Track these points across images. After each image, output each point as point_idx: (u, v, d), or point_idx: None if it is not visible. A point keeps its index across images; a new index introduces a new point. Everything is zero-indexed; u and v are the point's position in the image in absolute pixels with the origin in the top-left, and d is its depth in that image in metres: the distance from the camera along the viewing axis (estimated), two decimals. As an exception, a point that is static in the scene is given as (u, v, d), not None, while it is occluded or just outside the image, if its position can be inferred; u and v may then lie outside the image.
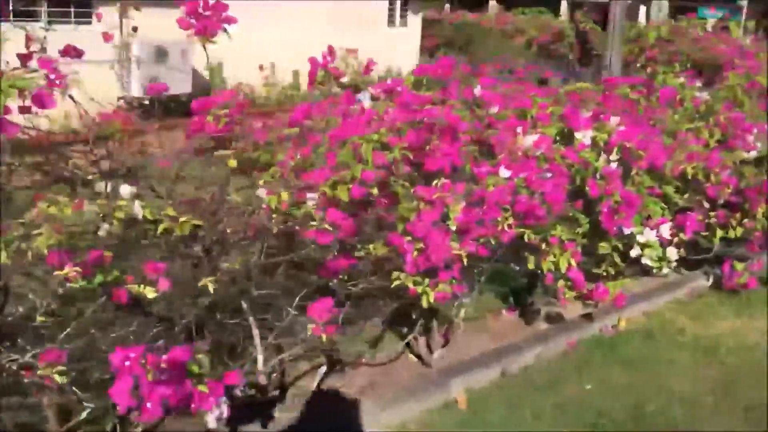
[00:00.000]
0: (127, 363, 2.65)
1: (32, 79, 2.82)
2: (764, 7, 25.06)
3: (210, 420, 3.03)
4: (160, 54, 13.13)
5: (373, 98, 5.03)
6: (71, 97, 3.09)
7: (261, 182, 3.69)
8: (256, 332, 4.08)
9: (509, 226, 4.62)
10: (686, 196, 6.53)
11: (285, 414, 4.69)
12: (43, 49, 3.11)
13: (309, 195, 3.83)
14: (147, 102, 12.97)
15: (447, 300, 4.29)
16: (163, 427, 3.96)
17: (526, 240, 4.93)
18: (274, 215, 3.44)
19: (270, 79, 15.65)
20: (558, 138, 5.84)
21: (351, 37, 15.29)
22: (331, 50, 4.75)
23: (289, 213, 3.60)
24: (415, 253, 4.15)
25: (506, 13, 28.52)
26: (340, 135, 3.90)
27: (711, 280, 7.42)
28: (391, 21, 20.09)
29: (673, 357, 5.88)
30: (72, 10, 12.80)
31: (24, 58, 3.10)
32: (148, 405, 2.69)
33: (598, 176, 5.55)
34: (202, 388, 3.01)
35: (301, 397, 4.84)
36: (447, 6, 29.74)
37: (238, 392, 4.00)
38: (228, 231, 3.46)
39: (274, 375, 4.90)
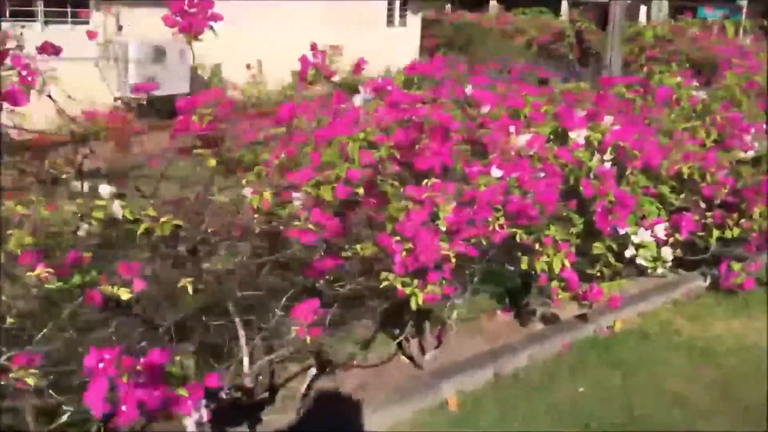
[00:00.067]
0: (101, 365, 2.60)
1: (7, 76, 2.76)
2: (764, 7, 24.97)
3: (189, 424, 2.97)
4: (158, 54, 13.07)
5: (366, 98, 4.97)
6: (49, 96, 3.03)
7: (244, 182, 3.64)
8: (241, 333, 4.02)
9: (500, 226, 4.56)
10: (682, 196, 6.47)
11: (274, 416, 4.65)
12: (20, 47, 3.05)
13: (296, 195, 3.78)
14: (144, 102, 12.95)
15: (436, 301, 4.22)
16: (151, 428, 3.91)
17: (518, 240, 4.87)
18: (256, 215, 3.37)
19: (257, 78, 15.56)
20: (552, 137, 5.79)
21: (350, 37, 15.22)
22: (314, 48, 4.69)
23: (273, 213, 3.54)
24: (404, 253, 4.09)
25: (506, 13, 28.43)
26: (326, 134, 3.85)
27: (708, 280, 7.36)
28: (390, 21, 20.04)
29: (668, 358, 5.82)
30: (68, 10, 12.74)
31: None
32: (124, 408, 2.63)
33: (591, 176, 5.50)
34: (181, 391, 2.96)
35: (291, 399, 4.79)
36: (448, 6, 29.65)
37: (223, 395, 3.94)
38: (209, 231, 3.41)
39: (264, 377, 4.87)
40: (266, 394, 4.80)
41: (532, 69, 6.93)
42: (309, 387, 4.91)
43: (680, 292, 7.21)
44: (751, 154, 7.02)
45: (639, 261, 5.83)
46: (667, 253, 5.70)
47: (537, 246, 5.19)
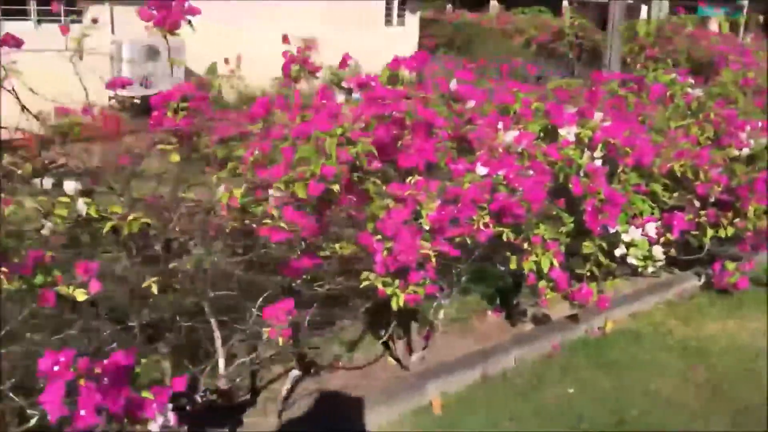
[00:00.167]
0: (56, 368, 2.51)
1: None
2: (765, 6, 24.86)
3: (153, 428, 2.87)
4: (152, 53, 13.01)
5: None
6: (11, 90, 2.94)
7: (214, 178, 3.55)
8: (217, 335, 3.93)
9: (485, 225, 4.47)
10: (676, 194, 6.37)
11: (255, 419, 4.56)
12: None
13: (276, 193, 3.69)
14: (138, 101, 12.87)
15: (419, 302, 4.12)
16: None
17: (504, 239, 4.77)
18: (227, 213, 3.28)
19: (236, 73, 15.43)
20: (542, 135, 5.70)
21: (348, 37, 15.17)
22: (285, 40, 4.59)
23: (248, 211, 3.45)
24: (385, 252, 4.00)
25: (506, 12, 28.32)
26: (303, 129, 3.75)
27: (702, 280, 7.26)
28: (388, 21, 19.96)
29: (659, 360, 5.72)
30: (62, 8, 12.66)
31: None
32: (82, 413, 2.54)
33: (581, 174, 5.40)
34: (145, 394, 2.87)
35: (273, 402, 4.70)
36: (449, 6, 29.55)
37: (198, 398, 3.85)
38: (177, 229, 3.31)
39: (246, 379, 4.78)
40: (248, 396, 4.72)
41: (524, 66, 6.82)
42: (292, 389, 4.82)
43: (674, 292, 7.10)
44: (746, 151, 6.91)
45: (630, 260, 5.72)
46: (658, 251, 5.59)
47: (525, 245, 5.09)
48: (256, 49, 15.11)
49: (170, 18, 3.82)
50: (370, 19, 19.03)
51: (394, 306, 4.04)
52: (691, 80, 7.80)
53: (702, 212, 6.50)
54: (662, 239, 5.80)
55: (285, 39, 4.59)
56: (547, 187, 5.03)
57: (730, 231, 6.45)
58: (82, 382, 2.54)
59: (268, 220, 3.28)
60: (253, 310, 3.96)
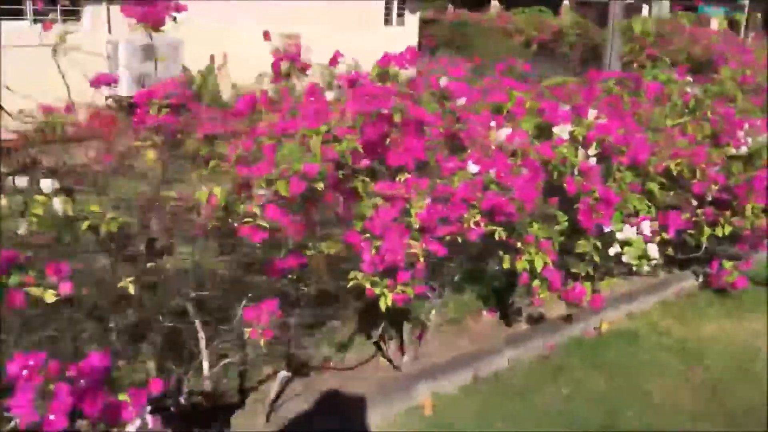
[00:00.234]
0: (25, 372, 2.44)
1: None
2: (766, 6, 24.78)
3: (130, 430, 2.81)
4: (148, 52, 12.93)
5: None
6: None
7: (194, 176, 3.49)
8: (201, 336, 3.86)
9: (476, 223, 4.39)
10: (672, 193, 6.29)
11: (241, 420, 4.50)
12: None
13: (261, 191, 3.62)
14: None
15: (407, 302, 4.05)
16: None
17: (497, 238, 4.70)
18: (206, 211, 3.21)
19: (222, 71, 15.33)
20: (537, 133, 5.62)
21: (347, 37, 15.12)
22: (266, 37, 4.52)
23: (231, 209, 3.38)
24: (373, 251, 3.93)
25: (506, 12, 28.23)
26: (286, 127, 3.69)
27: (701, 279, 7.18)
28: (387, 20, 19.92)
29: (655, 360, 5.65)
30: (58, 8, 12.60)
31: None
32: (51, 417, 2.47)
33: (576, 172, 5.33)
34: (122, 396, 2.81)
35: (262, 403, 4.63)
36: (451, 7, 29.45)
37: (182, 399, 3.78)
38: (155, 229, 3.25)
39: (235, 380, 4.72)
40: (236, 398, 4.66)
41: (517, 64, 6.75)
42: (282, 390, 4.76)
43: (671, 291, 7.04)
44: (744, 150, 6.82)
45: (625, 259, 5.64)
46: (653, 250, 5.51)
47: (519, 244, 5.02)
48: (255, 49, 15.07)
49: (153, 14, 3.75)
50: (370, 19, 18.99)
51: (382, 306, 3.97)
52: (689, 78, 7.73)
53: (699, 211, 6.43)
54: (658, 238, 5.72)
55: (266, 36, 4.53)
56: (541, 185, 4.96)
57: (728, 230, 6.37)
58: (51, 387, 2.47)
59: (249, 219, 3.22)
60: (239, 310, 3.89)
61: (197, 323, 3.84)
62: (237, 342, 4.19)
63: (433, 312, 5.30)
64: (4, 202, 2.92)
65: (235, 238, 3.51)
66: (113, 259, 3.33)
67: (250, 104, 3.90)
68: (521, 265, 5.01)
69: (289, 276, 3.82)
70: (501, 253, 5.13)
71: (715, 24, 22.03)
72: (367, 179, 4.17)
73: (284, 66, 4.98)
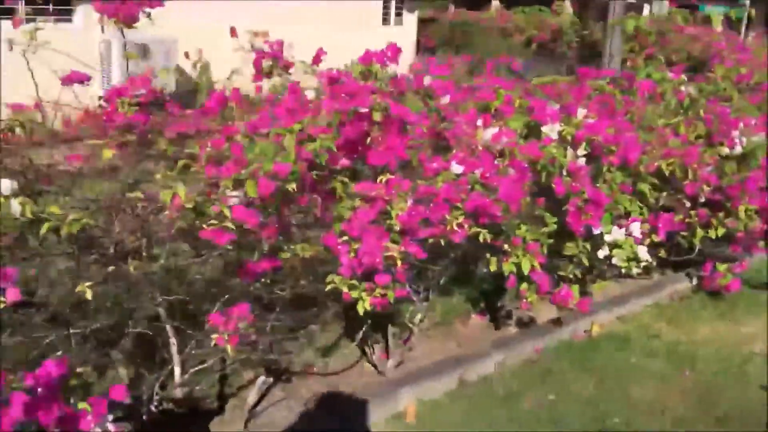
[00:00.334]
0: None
1: None
2: (766, 5, 24.64)
3: (89, 440, 2.71)
4: (142, 52, 12.83)
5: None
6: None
7: (158, 176, 3.38)
8: (173, 341, 3.76)
9: (460, 225, 4.28)
10: (664, 194, 6.18)
11: (219, 428, 4.41)
12: None
13: (234, 193, 3.52)
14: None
15: (386, 306, 3.94)
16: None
17: (481, 240, 4.59)
18: (173, 212, 3.11)
19: (197, 66, 15.20)
20: (526, 133, 5.52)
21: (346, 36, 15.06)
22: (233, 33, 4.42)
23: (201, 211, 3.27)
24: (352, 254, 3.83)
25: (506, 11, 28.13)
26: (257, 125, 3.59)
27: (695, 282, 7.08)
28: (385, 20, 19.86)
29: (646, 365, 5.53)
30: (51, 7, 12.52)
31: None
32: None
33: (564, 173, 5.22)
34: (82, 405, 2.71)
35: (241, 409, 4.53)
36: (452, 6, 29.35)
37: (152, 407, 3.68)
38: (118, 231, 3.15)
39: (214, 386, 4.63)
40: (215, 404, 4.56)
41: (509, 63, 6.66)
42: (262, 396, 4.66)
43: (665, 294, 6.92)
44: (738, 150, 6.70)
45: (614, 261, 5.53)
46: (642, 252, 5.40)
47: (506, 246, 4.92)
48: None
49: (124, 10, 3.65)
50: (367, 19, 18.92)
51: (360, 310, 3.87)
52: (683, 77, 7.61)
53: (692, 212, 6.32)
54: (648, 240, 5.61)
55: (233, 32, 4.43)
56: (528, 186, 4.86)
57: (721, 231, 6.26)
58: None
59: (214, 222, 3.11)
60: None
61: (168, 328, 3.73)
62: (214, 348, 4.08)
63: (419, 316, 5.19)
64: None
65: (205, 240, 3.40)
66: (75, 262, 3.24)
67: (220, 102, 3.80)
68: (508, 267, 4.91)
69: (263, 280, 3.73)
70: (488, 255, 5.04)
71: (714, 23, 21.89)
72: (347, 180, 4.07)
73: (266, 64, 4.89)
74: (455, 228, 4.26)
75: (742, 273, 6.63)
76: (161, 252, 3.44)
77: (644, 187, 5.84)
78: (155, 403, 3.76)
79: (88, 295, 2.95)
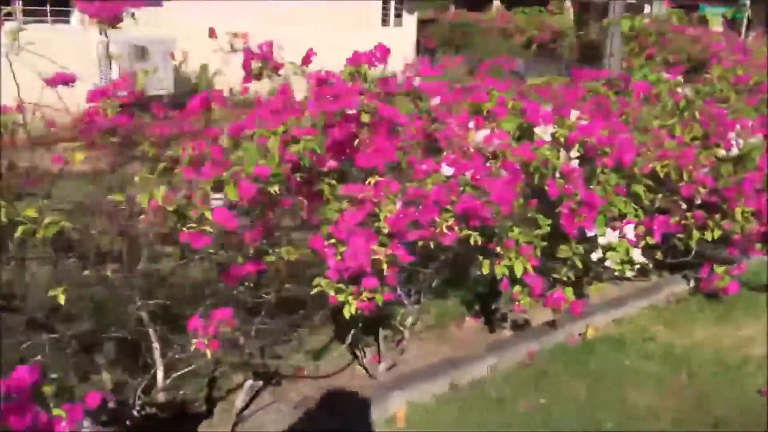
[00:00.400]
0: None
1: None
2: (767, 6, 24.58)
3: (64, 448, 2.66)
4: (141, 53, 12.82)
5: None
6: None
7: (136, 179, 3.34)
8: (156, 345, 3.71)
9: (450, 228, 4.23)
10: (659, 196, 6.12)
11: (207, 430, 4.36)
12: None
13: (216, 195, 3.48)
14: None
15: (373, 310, 3.89)
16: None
17: (473, 243, 4.53)
18: (152, 215, 3.06)
19: (182, 67, 15.15)
20: (518, 134, 5.46)
21: (345, 37, 15.03)
22: (212, 34, 4.37)
23: (183, 214, 3.22)
24: (338, 257, 3.78)
25: (507, 12, 28.10)
26: (243, 126, 3.54)
27: (692, 284, 7.02)
28: (385, 21, 19.85)
29: (641, 368, 5.47)
30: (48, 8, 12.51)
31: None
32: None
33: (557, 175, 5.16)
34: (56, 412, 2.67)
35: (229, 413, 4.49)
36: (452, 8, 29.32)
37: (134, 412, 3.64)
38: (93, 233, 3.10)
39: (202, 390, 4.58)
40: (203, 408, 4.52)
41: (504, 63, 6.63)
42: (251, 400, 4.62)
43: (661, 296, 6.87)
44: (735, 152, 6.64)
45: (608, 264, 5.47)
46: (637, 255, 5.34)
47: (499, 249, 4.86)
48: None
49: (107, 10, 3.60)
50: (367, 20, 18.91)
51: (346, 314, 3.82)
52: (680, 78, 7.56)
53: (688, 214, 6.26)
54: (643, 242, 5.55)
55: (212, 33, 4.38)
56: (520, 188, 4.81)
57: (717, 233, 6.20)
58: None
59: (193, 225, 3.07)
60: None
61: (151, 332, 3.69)
62: (197, 352, 4.03)
63: (410, 319, 5.14)
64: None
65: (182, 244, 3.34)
66: (51, 266, 3.19)
67: (202, 103, 3.75)
68: (500, 270, 4.85)
69: (246, 283, 3.68)
70: (480, 258, 4.99)
71: (712, 23, 21.85)
72: (334, 182, 4.02)
73: (255, 66, 4.84)
74: (445, 230, 4.21)
75: (741, 275, 6.58)
76: (141, 255, 3.39)
77: (639, 189, 5.78)
78: (137, 408, 3.71)
79: (61, 300, 2.90)
